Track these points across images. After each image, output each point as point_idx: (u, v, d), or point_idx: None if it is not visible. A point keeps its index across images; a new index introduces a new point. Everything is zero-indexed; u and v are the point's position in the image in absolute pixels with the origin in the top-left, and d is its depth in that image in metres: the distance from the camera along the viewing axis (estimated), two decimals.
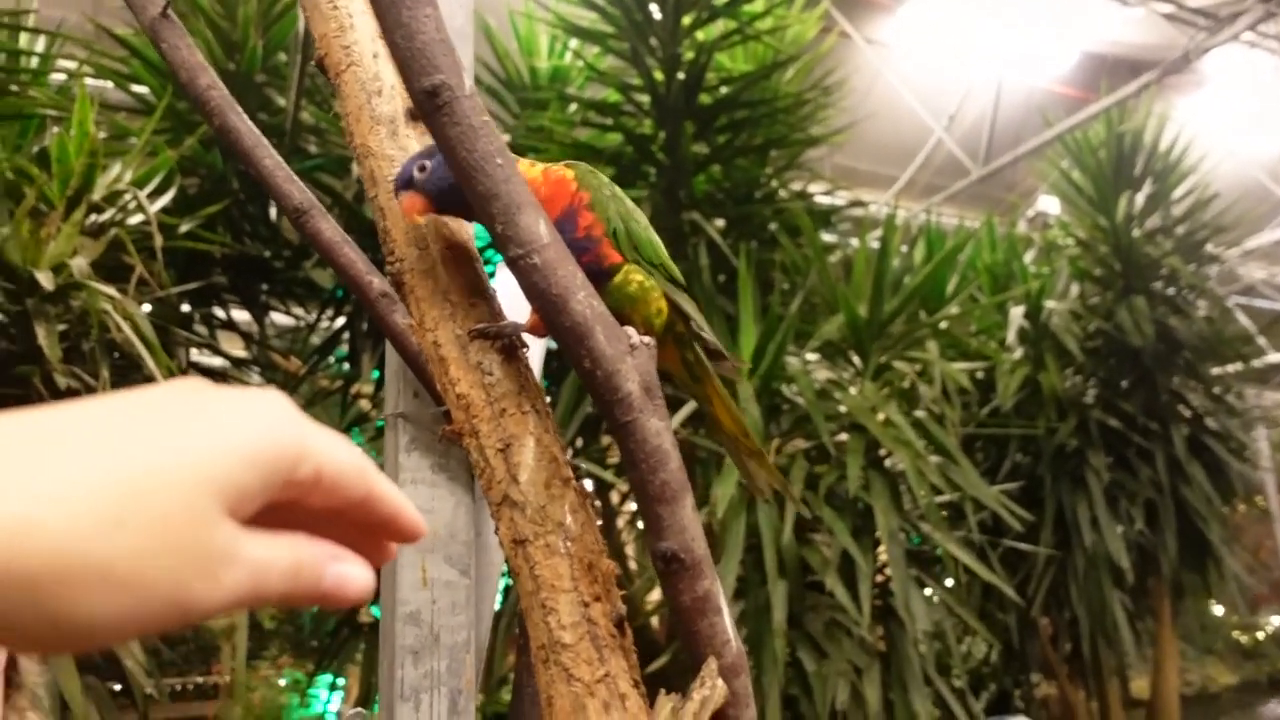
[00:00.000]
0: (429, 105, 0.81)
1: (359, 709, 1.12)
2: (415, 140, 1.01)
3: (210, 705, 7.89)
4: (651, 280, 1.04)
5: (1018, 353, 5.27)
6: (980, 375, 4.98)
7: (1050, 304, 5.39)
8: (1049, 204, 7.82)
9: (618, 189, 1.06)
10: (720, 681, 0.78)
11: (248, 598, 0.41)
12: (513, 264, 0.84)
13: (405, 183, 0.97)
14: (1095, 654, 5.14)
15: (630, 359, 0.85)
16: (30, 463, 0.36)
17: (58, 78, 4.04)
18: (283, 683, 8.17)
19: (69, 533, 0.35)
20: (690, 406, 3.43)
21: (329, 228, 0.95)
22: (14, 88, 3.59)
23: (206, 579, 0.38)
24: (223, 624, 7.89)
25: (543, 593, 0.80)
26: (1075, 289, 5.76)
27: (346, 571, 0.44)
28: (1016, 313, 5.31)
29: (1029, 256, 5.96)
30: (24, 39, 3.90)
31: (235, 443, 0.40)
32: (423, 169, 0.97)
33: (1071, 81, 8.75)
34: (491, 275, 1.04)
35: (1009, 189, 8.75)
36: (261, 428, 0.42)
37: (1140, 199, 5.77)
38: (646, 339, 0.93)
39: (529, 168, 1.02)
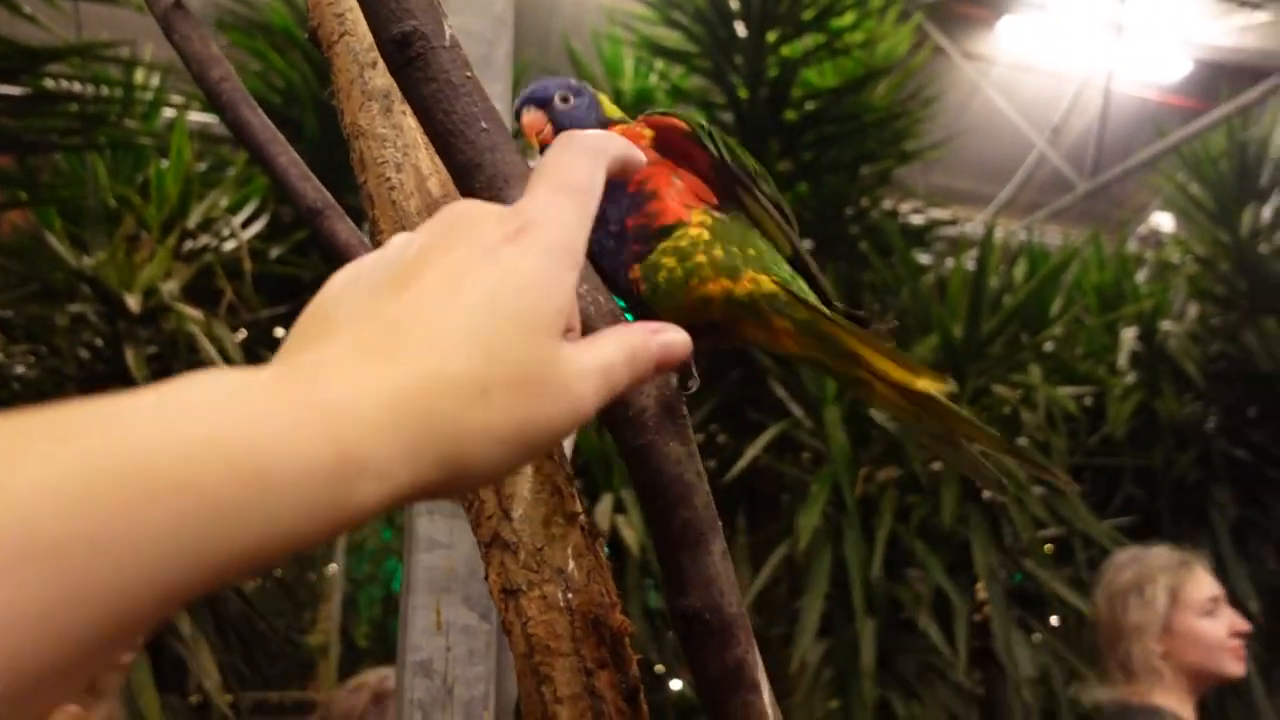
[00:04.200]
0: (398, 57, 0.68)
1: None
2: (410, 118, 0.88)
3: None
4: (698, 260, 0.79)
5: (1130, 378, 4.93)
6: (1089, 401, 4.67)
7: (1166, 325, 5.04)
8: (1162, 220, 7.38)
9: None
10: None
11: (607, 397, 0.45)
12: None
13: (541, 101, 0.85)
14: (1221, 705, 4.73)
15: None
16: (394, 351, 0.39)
17: (169, 113, 4.23)
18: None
19: (460, 409, 0.39)
20: (773, 431, 3.31)
21: (345, 229, 0.88)
22: (128, 122, 3.75)
23: (569, 400, 0.42)
24: (319, 641, 8.07)
25: (536, 656, 0.66)
26: (1194, 309, 5.37)
27: (668, 340, 0.48)
28: (1129, 334, 4.98)
29: (1141, 275, 5.61)
30: (139, 76, 4.09)
31: (538, 273, 0.43)
32: (566, 99, 0.86)
33: (1185, 91, 8.27)
34: None
35: (1118, 205, 8.30)
36: (549, 248, 0.44)
37: (1267, 212, 5.36)
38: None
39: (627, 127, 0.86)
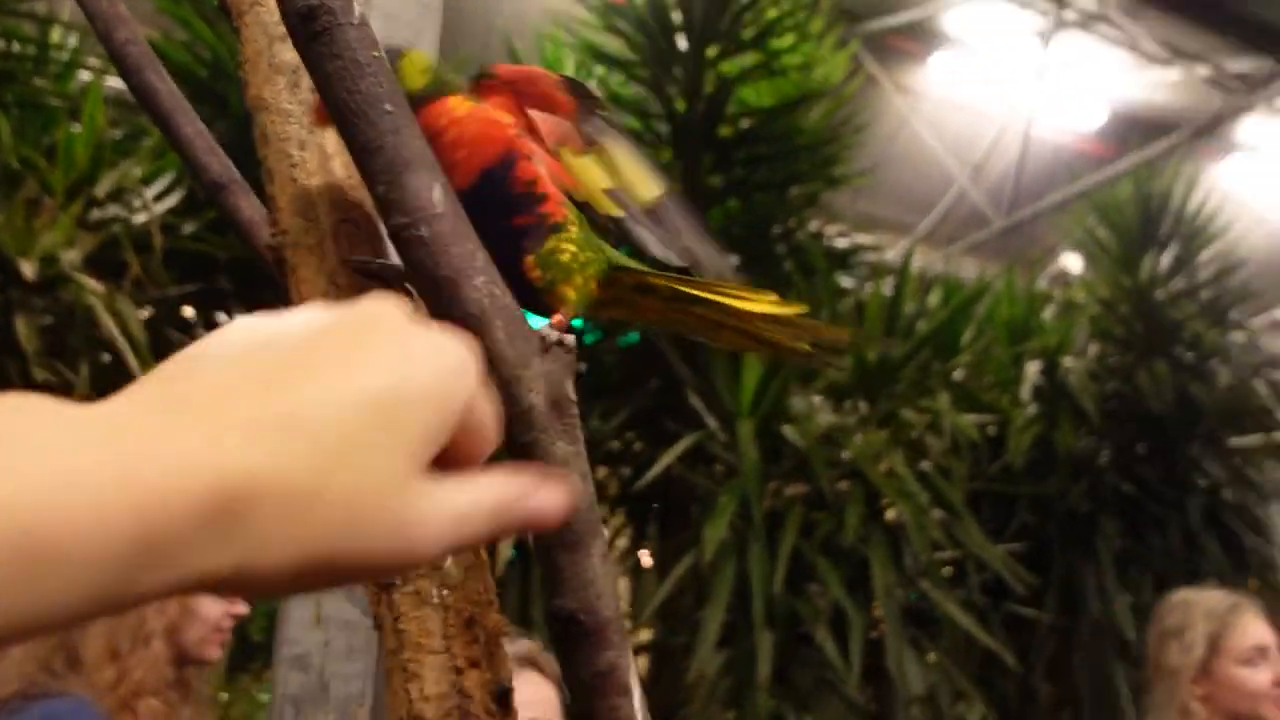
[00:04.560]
0: (303, 30, 0.66)
1: None
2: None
3: None
4: (592, 248, 0.87)
5: (1031, 409, 5.13)
6: (992, 430, 4.84)
7: (1068, 361, 5.25)
8: (1071, 262, 7.70)
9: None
10: None
11: (455, 546, 0.41)
12: (394, 235, 0.70)
13: None
14: None
15: (539, 363, 0.70)
16: (235, 421, 0.35)
17: (85, 76, 4.05)
18: (265, 698, 8.04)
19: (276, 509, 0.35)
20: (687, 441, 3.33)
21: (249, 205, 0.85)
22: (39, 81, 3.58)
23: (404, 539, 0.38)
24: None
25: (405, 652, 0.65)
26: (1094, 348, 5.62)
27: (542, 503, 0.44)
28: (1033, 368, 5.18)
29: (1048, 313, 5.84)
30: (55, 35, 3.91)
31: (427, 395, 0.39)
32: None
33: (1100, 138, 8.67)
34: None
35: (1031, 243, 8.65)
36: (449, 375, 0.41)
37: (1166, 260, 5.65)
38: (567, 338, 0.76)
39: (459, 103, 0.87)
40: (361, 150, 0.68)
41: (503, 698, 0.66)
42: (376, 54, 0.68)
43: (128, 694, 1.68)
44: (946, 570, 3.85)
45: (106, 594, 0.32)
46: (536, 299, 0.84)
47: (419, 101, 0.86)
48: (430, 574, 0.66)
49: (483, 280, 0.69)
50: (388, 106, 0.67)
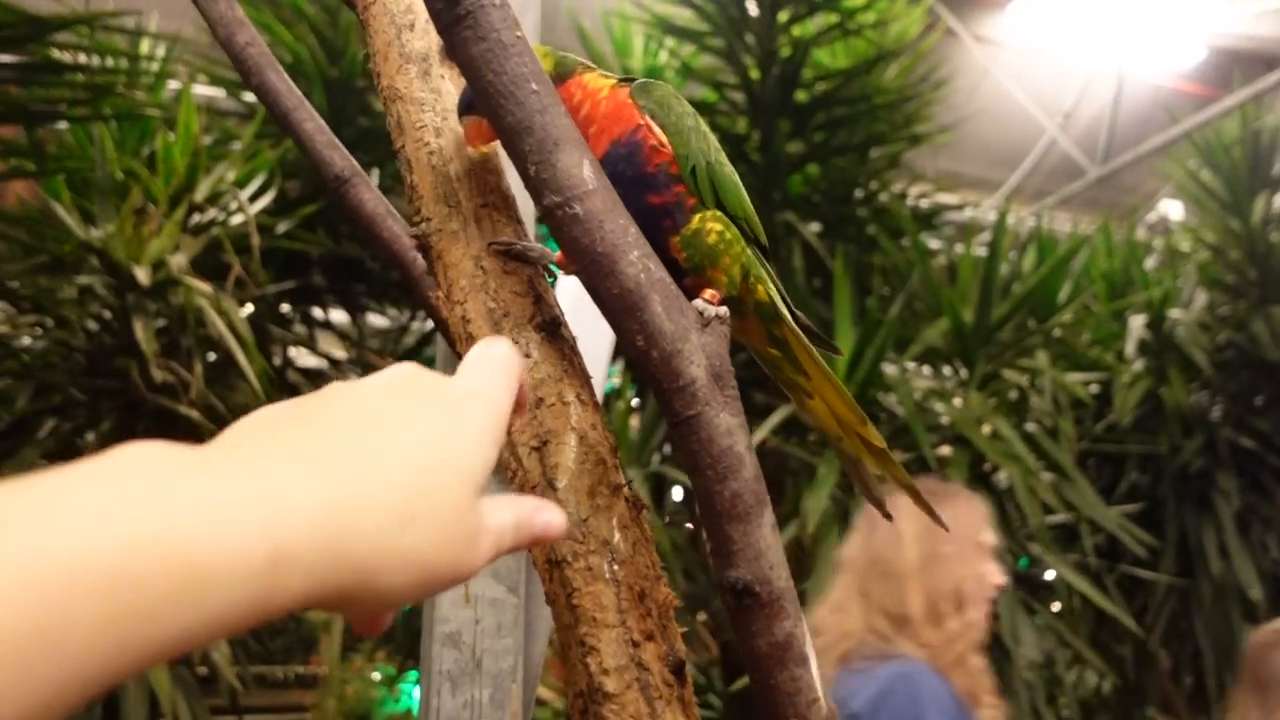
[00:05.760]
0: (447, 15, 0.66)
1: None
2: (450, 81, 0.87)
3: (309, 695, 8.10)
4: (734, 233, 0.86)
5: (1138, 365, 4.92)
6: (1096, 388, 4.66)
7: (1175, 313, 5.01)
8: (1171, 208, 7.34)
9: (703, 122, 0.88)
10: None
11: (493, 558, 0.48)
12: (548, 214, 0.69)
13: (468, 105, 0.83)
14: (1221, 690, 4.74)
15: (697, 337, 0.69)
16: (331, 465, 0.41)
17: (174, 85, 4.19)
18: (376, 676, 8.33)
19: (382, 529, 0.41)
20: (782, 413, 3.30)
21: (372, 198, 0.85)
22: (135, 93, 3.72)
23: (470, 553, 0.46)
24: (322, 618, 8.11)
25: (581, 627, 0.65)
26: (1203, 298, 5.35)
27: (550, 519, 0.52)
28: (1137, 322, 4.96)
29: (1149, 263, 5.58)
30: (144, 47, 4.05)
31: (477, 433, 0.48)
32: None
33: (1198, 78, 8.20)
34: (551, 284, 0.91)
35: (1128, 192, 8.26)
36: (488, 416, 0.49)
37: (1279, 201, 5.33)
38: (721, 310, 0.76)
39: (597, 78, 0.86)
40: (510, 131, 0.68)
41: (678, 670, 0.65)
42: (519, 34, 0.67)
43: (956, 654, 1.82)
44: (1057, 533, 3.74)
45: (255, 603, 0.37)
46: (680, 278, 0.82)
47: (573, 78, 0.86)
48: (600, 549, 0.66)
49: (638, 254, 0.68)
50: (534, 86, 0.67)
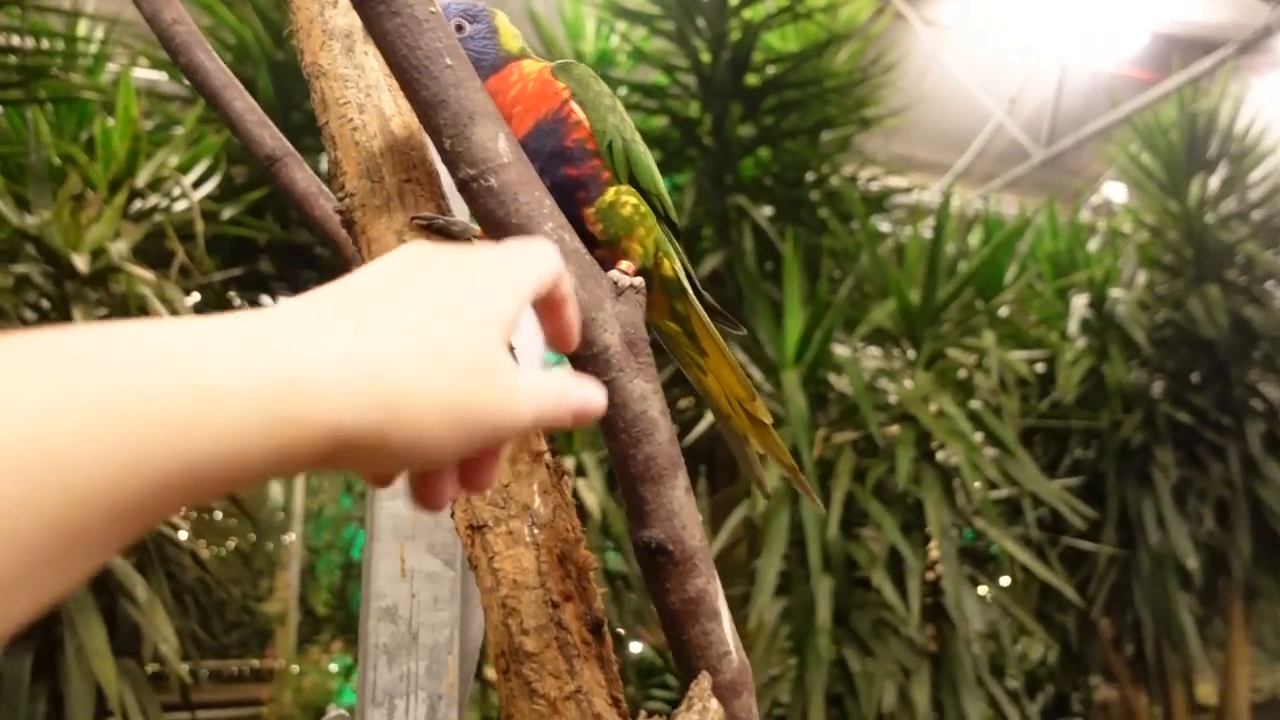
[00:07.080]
0: None
1: (342, 710, 1.03)
2: (373, 58, 0.87)
3: (265, 689, 8.02)
4: (647, 207, 0.89)
5: (1080, 343, 5.05)
6: (1040, 367, 4.78)
7: (1116, 293, 5.15)
8: (1114, 191, 7.50)
9: (620, 103, 0.91)
10: (714, 703, 0.64)
11: (532, 421, 0.47)
12: (463, 187, 0.70)
13: None
14: (1160, 658, 4.91)
15: (611, 305, 0.71)
16: (361, 319, 0.42)
17: (114, 68, 4.09)
18: (334, 668, 8.27)
19: (412, 368, 0.41)
20: None
21: (304, 177, 0.85)
22: (71, 76, 3.62)
23: (508, 402, 0.45)
24: (277, 610, 8.02)
25: (503, 590, 0.66)
26: (1142, 277, 5.50)
27: (589, 394, 0.51)
28: (1079, 301, 5.08)
29: (1093, 244, 5.71)
30: (82, 28, 3.94)
31: (503, 285, 0.48)
32: (462, 27, 0.84)
33: (1140, 63, 8.38)
34: None
35: (1072, 175, 8.43)
36: (530, 270, 0.49)
37: (1214, 183, 5.48)
38: (637, 280, 0.78)
39: (533, 63, 0.89)
40: (426, 105, 0.68)
41: (596, 628, 0.68)
42: (433, 9, 0.68)
43: None
44: (1001, 508, 3.83)
45: (274, 427, 0.37)
46: (593, 249, 0.85)
47: (514, 61, 0.88)
48: (521, 514, 0.68)
49: (552, 226, 0.70)
50: (448, 61, 0.68)
